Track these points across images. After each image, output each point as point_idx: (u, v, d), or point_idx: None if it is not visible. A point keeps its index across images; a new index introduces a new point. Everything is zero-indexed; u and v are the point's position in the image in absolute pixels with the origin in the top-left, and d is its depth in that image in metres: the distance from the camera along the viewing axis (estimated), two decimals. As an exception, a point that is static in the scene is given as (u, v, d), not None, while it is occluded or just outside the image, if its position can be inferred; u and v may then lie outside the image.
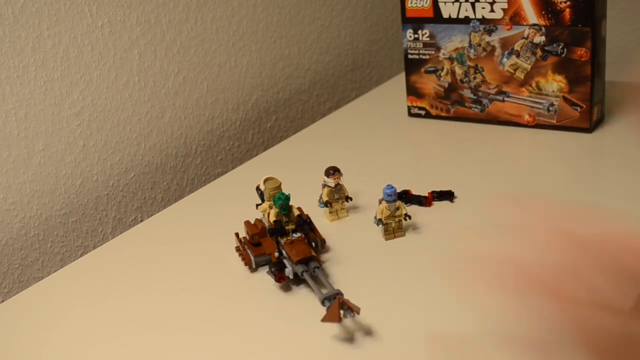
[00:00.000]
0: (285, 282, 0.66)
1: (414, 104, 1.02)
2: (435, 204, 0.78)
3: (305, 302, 0.64)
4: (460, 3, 0.92)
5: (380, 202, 0.72)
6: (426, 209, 0.77)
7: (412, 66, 1.00)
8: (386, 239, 0.72)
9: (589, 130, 0.90)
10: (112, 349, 0.61)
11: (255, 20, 1.10)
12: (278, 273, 0.64)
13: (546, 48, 0.88)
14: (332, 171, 0.75)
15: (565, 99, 0.90)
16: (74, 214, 0.91)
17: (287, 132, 1.19)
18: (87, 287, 0.71)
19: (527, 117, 0.93)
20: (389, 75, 1.37)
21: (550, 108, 0.91)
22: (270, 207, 0.69)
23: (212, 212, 0.83)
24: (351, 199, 0.77)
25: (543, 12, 0.87)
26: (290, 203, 0.68)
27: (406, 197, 0.77)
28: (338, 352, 0.57)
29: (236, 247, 0.72)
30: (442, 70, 0.97)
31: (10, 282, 0.86)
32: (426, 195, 0.78)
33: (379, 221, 0.71)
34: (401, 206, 0.71)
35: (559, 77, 0.89)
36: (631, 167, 0.80)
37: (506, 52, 0.91)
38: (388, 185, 0.71)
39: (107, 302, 0.68)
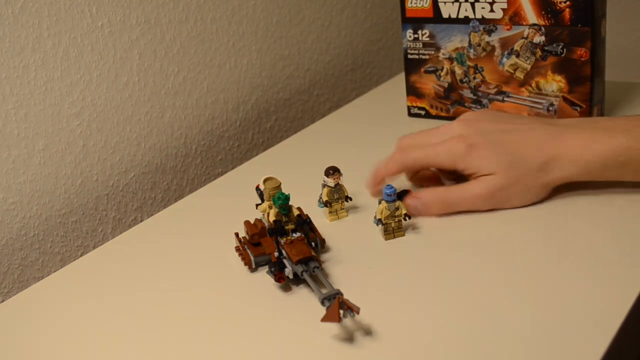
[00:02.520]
0: (285, 282, 0.66)
1: (414, 104, 1.02)
2: (435, 203, 0.78)
3: (305, 302, 0.64)
4: (460, 3, 0.92)
5: (380, 202, 0.72)
6: (426, 209, 0.76)
7: (412, 66, 1.00)
8: (386, 239, 0.72)
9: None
10: (112, 349, 0.61)
11: (255, 20, 1.10)
12: (278, 273, 0.64)
13: (546, 48, 0.88)
14: (332, 171, 0.76)
15: (565, 99, 0.90)
16: (74, 214, 0.91)
17: (287, 132, 1.19)
18: (87, 287, 0.71)
19: (527, 117, 0.93)
20: (389, 75, 1.37)
21: (550, 108, 0.91)
22: (270, 207, 0.69)
23: (212, 212, 0.83)
24: (351, 198, 0.77)
25: (543, 12, 0.87)
26: (290, 203, 0.68)
27: (406, 196, 0.77)
28: (338, 352, 0.57)
29: (236, 247, 0.72)
30: (441, 70, 0.98)
31: (10, 282, 0.86)
32: None
33: (378, 221, 0.71)
34: (401, 206, 0.71)
35: (558, 77, 0.89)
36: (631, 167, 0.80)
37: (506, 52, 0.91)
38: (388, 185, 0.71)
39: (107, 302, 0.68)
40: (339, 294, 0.59)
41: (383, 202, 0.71)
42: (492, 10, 0.90)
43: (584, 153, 0.71)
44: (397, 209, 0.71)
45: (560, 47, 0.88)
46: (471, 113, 0.78)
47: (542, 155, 0.71)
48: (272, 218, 0.67)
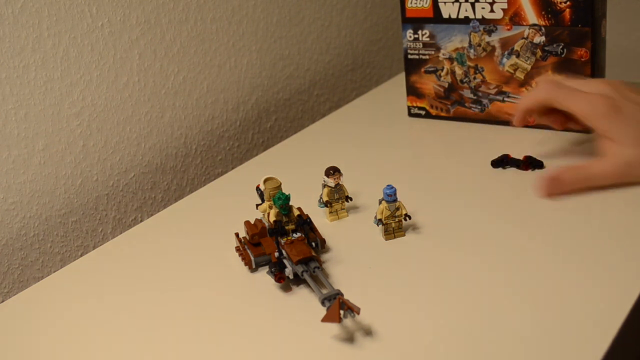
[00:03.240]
0: (285, 282, 0.66)
1: (414, 104, 1.02)
2: (434, 204, 0.78)
3: (305, 302, 0.64)
4: (460, 3, 0.92)
5: (380, 202, 0.72)
6: (425, 209, 0.76)
7: (412, 66, 1.00)
8: (386, 239, 0.72)
9: (590, 130, 0.90)
10: (112, 349, 0.61)
11: (255, 20, 1.10)
12: (278, 273, 0.64)
13: (546, 48, 0.88)
14: (332, 171, 0.76)
15: (565, 99, 0.90)
16: (74, 214, 0.91)
17: (287, 132, 1.19)
18: (87, 287, 0.71)
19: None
20: (389, 75, 1.37)
21: (550, 108, 0.91)
22: (270, 207, 0.69)
23: (212, 212, 0.83)
24: (351, 199, 0.77)
25: (543, 12, 0.87)
26: (290, 203, 0.68)
27: (507, 160, 0.82)
28: (338, 352, 0.57)
29: (236, 247, 0.72)
30: (442, 70, 0.97)
31: (10, 282, 0.86)
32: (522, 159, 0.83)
33: (379, 221, 0.71)
34: (401, 206, 0.71)
35: (558, 77, 0.89)
36: (631, 167, 0.80)
37: (506, 52, 0.91)
38: (388, 186, 0.71)
39: (107, 302, 0.68)
40: (339, 294, 0.59)
41: (383, 202, 0.71)
42: (492, 11, 0.90)
43: None
44: (398, 209, 0.71)
45: (561, 47, 0.88)
46: (619, 81, 0.78)
47: None
48: (272, 218, 0.67)
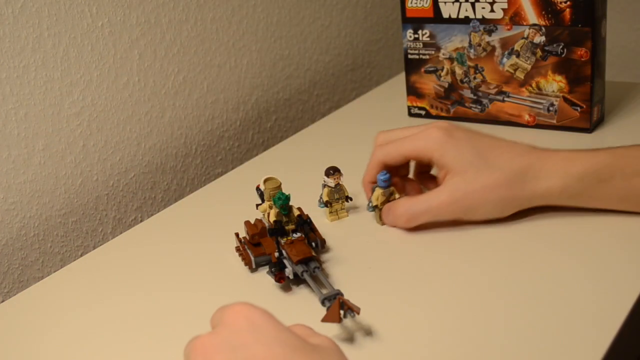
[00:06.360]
0: (285, 282, 0.66)
1: (414, 104, 1.02)
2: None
3: (305, 302, 0.64)
4: (460, 3, 0.92)
5: (373, 189, 0.73)
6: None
7: (412, 66, 1.00)
8: (382, 224, 0.74)
9: (589, 130, 0.90)
10: (112, 349, 0.61)
11: (255, 20, 1.10)
12: (278, 273, 0.64)
13: (546, 48, 0.88)
14: (332, 171, 0.76)
15: (565, 99, 0.90)
16: (74, 214, 0.91)
17: (287, 132, 1.19)
18: (87, 287, 0.71)
19: (527, 117, 0.93)
20: (389, 75, 1.37)
21: (550, 108, 0.91)
22: (270, 207, 0.69)
23: (212, 212, 0.83)
24: (351, 199, 0.77)
25: (543, 12, 0.87)
26: (290, 203, 0.68)
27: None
28: (338, 352, 0.57)
29: (236, 247, 0.72)
30: (442, 70, 0.97)
31: (10, 282, 0.86)
32: None
33: (374, 207, 0.72)
34: (395, 191, 0.73)
35: (559, 77, 0.89)
36: (631, 167, 0.80)
37: (506, 52, 0.91)
38: (382, 172, 0.72)
39: (107, 302, 0.68)
40: (339, 294, 0.59)
41: (377, 188, 0.73)
42: (492, 10, 0.90)
43: (565, 164, 0.68)
44: (392, 194, 0.72)
45: (561, 47, 0.87)
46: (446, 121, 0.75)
47: (521, 163, 0.68)
48: (272, 218, 0.67)
